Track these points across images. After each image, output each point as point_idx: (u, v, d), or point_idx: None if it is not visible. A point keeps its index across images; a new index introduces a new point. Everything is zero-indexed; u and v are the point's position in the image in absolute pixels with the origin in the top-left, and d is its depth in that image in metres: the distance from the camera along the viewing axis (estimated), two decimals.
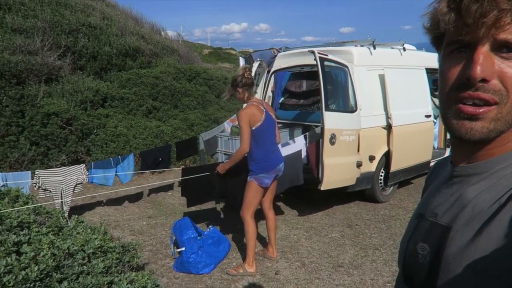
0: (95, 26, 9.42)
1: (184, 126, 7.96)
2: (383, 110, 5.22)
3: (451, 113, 0.63)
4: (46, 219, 3.00)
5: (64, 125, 6.78)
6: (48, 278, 2.07)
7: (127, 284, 2.26)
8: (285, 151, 4.28)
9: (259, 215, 3.88)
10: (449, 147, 6.61)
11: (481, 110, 0.60)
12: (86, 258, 2.41)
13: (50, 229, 2.67)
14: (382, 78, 5.27)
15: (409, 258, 0.72)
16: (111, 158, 5.08)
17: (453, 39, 0.62)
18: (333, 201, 5.42)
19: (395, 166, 5.24)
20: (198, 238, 3.69)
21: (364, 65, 5.10)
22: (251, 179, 3.46)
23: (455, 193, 0.65)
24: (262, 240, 4.19)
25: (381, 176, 5.35)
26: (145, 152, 5.34)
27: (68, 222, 3.05)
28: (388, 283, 3.32)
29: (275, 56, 6.10)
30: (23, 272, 1.97)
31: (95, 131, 7.04)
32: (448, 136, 6.53)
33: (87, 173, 4.74)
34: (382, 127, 5.18)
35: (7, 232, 2.38)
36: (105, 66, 9.03)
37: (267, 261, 3.76)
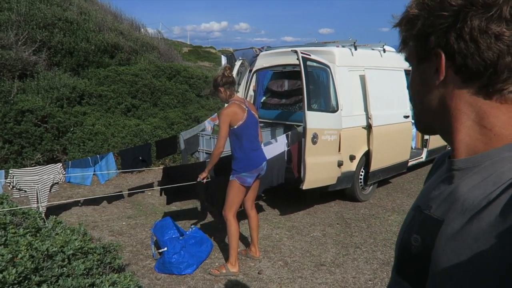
0: (72, 21, 9.17)
1: (164, 125, 7.86)
2: (363, 111, 5.29)
3: None
4: (23, 220, 2.90)
5: (39, 123, 6.58)
6: (26, 281, 2.00)
7: (109, 286, 2.21)
8: (267, 150, 4.27)
9: (241, 214, 3.87)
10: (426, 147, 6.77)
11: None
12: (66, 259, 2.34)
13: (28, 230, 2.58)
14: (362, 79, 5.34)
15: (403, 249, 0.73)
16: (89, 157, 4.95)
17: None
18: (314, 200, 5.46)
19: (374, 166, 5.32)
20: (180, 238, 3.65)
21: (345, 66, 5.16)
22: (233, 178, 3.44)
23: (449, 187, 0.66)
24: (244, 240, 4.18)
25: (361, 175, 5.43)
26: (124, 151, 5.23)
27: (46, 223, 2.96)
28: (369, 281, 3.37)
29: (257, 55, 6.10)
30: (0, 275, 1.90)
31: (72, 129, 6.86)
32: (426, 137, 6.69)
33: (64, 173, 4.61)
34: (363, 127, 5.25)
35: None
36: (82, 62, 8.81)
37: (249, 260, 3.75)
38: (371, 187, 5.68)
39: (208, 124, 6.09)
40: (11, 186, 4.31)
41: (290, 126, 5.55)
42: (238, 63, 5.97)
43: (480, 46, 0.59)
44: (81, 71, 8.75)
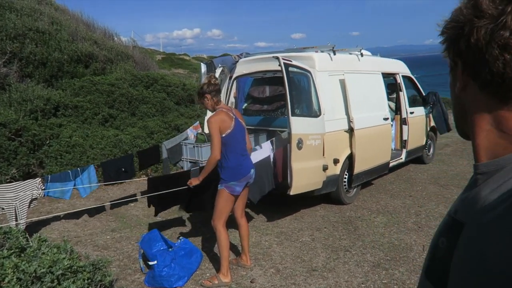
0: (43, 31, 8.93)
1: (144, 134, 7.73)
2: (344, 114, 5.36)
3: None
4: (4, 240, 2.77)
5: (13, 137, 6.34)
6: None
7: None
8: (252, 157, 4.26)
9: (230, 223, 3.82)
10: (405, 148, 6.91)
11: None
12: (56, 280, 2.25)
13: (12, 251, 2.46)
14: (342, 83, 5.41)
15: (432, 251, 0.74)
16: (69, 171, 4.80)
17: None
18: (300, 205, 5.47)
19: (358, 168, 5.39)
20: (170, 250, 3.57)
21: (325, 71, 5.22)
22: (222, 187, 3.40)
23: (473, 191, 0.67)
24: (234, 249, 4.14)
25: (345, 178, 5.48)
26: (106, 163, 5.10)
27: (30, 242, 2.84)
28: (362, 284, 3.39)
29: (236, 62, 6.09)
30: None
31: (48, 142, 6.65)
32: (405, 138, 6.83)
33: (43, 187, 4.44)
34: (345, 131, 5.32)
35: None
36: (56, 73, 8.58)
37: (241, 269, 3.71)
38: (355, 189, 5.74)
39: (190, 133, 6.02)
40: None
41: (273, 132, 5.56)
42: (218, 71, 5.94)
43: (486, 56, 0.60)
44: (54, 82, 8.52)
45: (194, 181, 3.44)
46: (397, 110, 7.16)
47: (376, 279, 3.47)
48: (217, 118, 3.30)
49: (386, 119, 6.01)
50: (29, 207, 4.33)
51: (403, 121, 6.91)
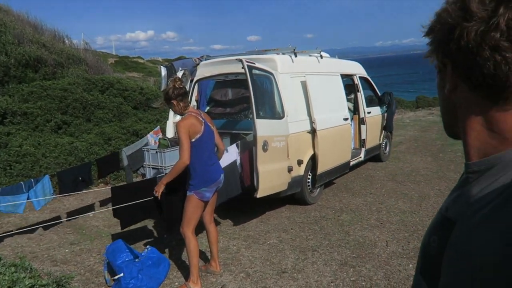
0: None
1: (101, 141, 7.42)
2: (307, 115, 5.43)
3: None
4: None
5: None
6: None
7: None
8: (220, 161, 4.20)
9: (198, 229, 3.74)
10: (364, 147, 7.13)
11: None
12: None
13: None
14: (304, 85, 5.49)
15: (424, 250, 0.75)
16: (22, 182, 4.50)
17: None
18: (265, 207, 5.47)
19: (321, 168, 5.48)
20: (136, 260, 3.44)
21: (287, 72, 5.27)
22: (191, 193, 3.32)
23: (464, 189, 0.69)
24: (202, 255, 4.05)
25: (309, 178, 5.56)
26: (62, 172, 4.84)
27: None
28: (331, 282, 3.44)
29: (197, 64, 6.01)
30: None
31: None
32: (363, 137, 7.04)
33: None
34: (307, 132, 5.39)
35: None
36: (2, 78, 8.03)
37: (211, 276, 3.64)
38: (318, 189, 5.83)
39: (151, 138, 5.85)
40: None
41: (237, 135, 5.53)
42: (179, 74, 5.82)
43: (477, 57, 0.61)
44: (0, 87, 7.97)
45: (159, 188, 3.31)
46: (355, 110, 7.37)
47: (344, 277, 3.53)
48: (187, 122, 3.21)
49: (346, 119, 6.16)
50: None
51: (361, 121, 7.13)
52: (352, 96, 7.47)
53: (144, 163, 5.23)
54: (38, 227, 5.01)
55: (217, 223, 4.98)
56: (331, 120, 5.76)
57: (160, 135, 5.95)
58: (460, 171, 0.67)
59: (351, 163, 6.56)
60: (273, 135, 4.63)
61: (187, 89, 6.00)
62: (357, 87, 7.11)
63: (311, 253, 4.06)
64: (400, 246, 4.08)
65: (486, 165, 0.65)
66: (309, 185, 5.59)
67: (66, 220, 5.29)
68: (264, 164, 4.45)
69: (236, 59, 4.59)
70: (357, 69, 7.41)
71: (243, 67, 4.37)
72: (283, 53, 5.53)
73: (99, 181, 6.46)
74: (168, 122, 5.84)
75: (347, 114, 6.25)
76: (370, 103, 7.48)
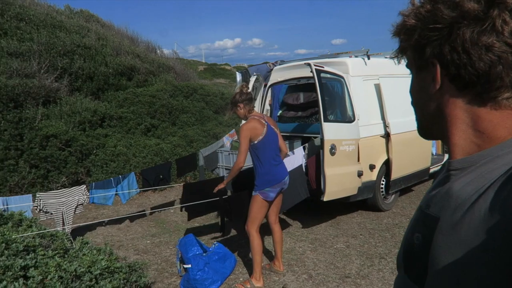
0: (90, 46, 9.50)
1: (184, 143, 7.98)
2: (380, 119, 5.26)
3: None
4: (51, 242, 2.98)
5: (63, 147, 6.78)
6: None
7: None
8: (285, 163, 4.29)
9: (264, 228, 3.87)
10: (447, 153, 6.65)
11: None
12: (94, 279, 2.40)
13: (56, 251, 2.65)
14: (378, 88, 5.33)
15: (407, 248, 0.75)
16: (111, 178, 5.07)
17: None
18: (336, 211, 5.41)
19: (395, 174, 5.26)
20: (204, 254, 3.67)
21: (359, 75, 5.17)
22: (256, 193, 3.45)
23: (445, 186, 0.68)
24: (268, 254, 4.17)
25: (382, 184, 5.37)
26: (145, 170, 5.33)
27: (73, 244, 3.04)
28: None
29: (271, 69, 6.17)
30: None
31: (94, 151, 7.04)
32: None
33: (88, 194, 4.72)
34: (381, 136, 5.22)
35: (14, 257, 2.37)
36: (102, 86, 9.08)
37: (273, 275, 3.74)
38: (393, 196, 5.60)
39: (226, 140, 6.16)
40: (38, 210, 4.44)
41: (308, 138, 5.56)
42: (252, 79, 6.04)
43: (472, 57, 0.61)
44: (101, 94, 9.02)
45: (219, 186, 3.54)
46: None
47: None
48: (249, 126, 3.37)
49: None
50: (75, 212, 4.61)
51: None
52: None
53: (219, 164, 5.53)
54: (126, 219, 5.60)
55: (285, 225, 5.07)
56: (408, 124, 5.48)
57: (235, 138, 6.24)
58: None
59: (432, 170, 6.17)
60: (342, 138, 4.58)
61: (262, 94, 6.23)
62: None
63: (378, 260, 3.94)
64: None
65: (469, 163, 0.66)
66: (382, 191, 5.40)
67: (150, 214, 5.82)
68: (331, 168, 4.43)
69: (305, 63, 4.64)
70: None
71: (311, 71, 4.41)
72: (356, 56, 5.44)
73: (180, 179, 6.95)
74: (241, 125, 6.09)
75: None
76: None
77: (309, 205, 5.49)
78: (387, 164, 5.26)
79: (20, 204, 4.41)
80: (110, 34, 11.71)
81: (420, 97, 0.74)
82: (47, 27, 9.45)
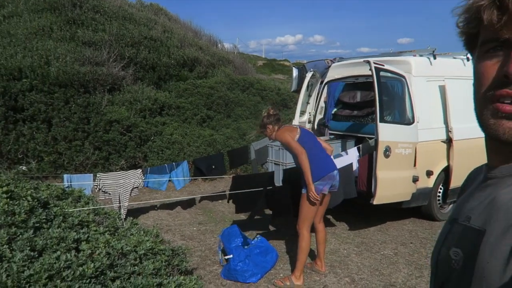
0: (156, 39, 9.92)
1: (236, 135, 8.09)
2: (443, 123, 4.95)
3: (488, 113, 0.61)
4: (104, 219, 3.16)
5: (124, 132, 7.17)
6: (102, 276, 2.18)
7: (175, 287, 2.32)
8: (337, 162, 4.18)
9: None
10: None
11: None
12: (138, 258, 2.50)
13: (107, 229, 2.81)
14: (442, 90, 5.01)
15: (441, 265, 0.69)
16: (166, 164, 5.27)
17: (490, 37, 0.60)
18: (387, 216, 5.19)
19: (455, 183, 4.92)
20: (245, 247, 3.70)
21: (423, 76, 4.89)
22: (306, 191, 3.40)
23: (489, 195, 0.63)
24: (310, 253, 4.09)
25: (440, 192, 5.06)
26: (198, 160, 5.48)
27: (124, 224, 3.20)
28: None
29: (329, 66, 6.04)
30: (80, 268, 2.09)
31: (152, 138, 7.36)
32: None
33: (143, 178, 4.95)
34: (442, 141, 4.91)
35: (69, 230, 2.54)
36: (164, 76, 9.45)
37: (315, 274, 3.67)
38: (450, 205, 5.25)
39: None
40: (97, 189, 4.74)
41: (362, 139, 5.39)
42: (309, 75, 5.96)
43: None
44: (162, 84, 9.39)
45: (311, 190, 3.29)
46: None
47: None
48: (283, 130, 3.49)
49: None
50: (130, 194, 4.86)
51: None
52: None
53: (268, 158, 5.54)
54: (177, 205, 5.80)
55: (331, 225, 4.96)
56: (473, 130, 5.06)
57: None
58: None
59: None
60: (398, 141, 4.38)
61: (317, 91, 6.14)
62: None
63: (427, 271, 3.72)
64: None
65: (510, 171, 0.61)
66: (439, 200, 5.09)
67: (199, 202, 5.98)
68: (384, 171, 4.25)
69: (364, 61, 4.48)
70: None
71: (370, 69, 4.25)
72: (421, 55, 5.15)
73: (231, 171, 7.06)
74: (294, 121, 6.03)
75: None
76: None
77: (358, 207, 5.32)
78: (447, 171, 4.94)
79: (82, 182, 4.73)
80: (176, 27, 12.15)
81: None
82: (118, 19, 10.01)
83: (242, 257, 3.50)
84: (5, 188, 2.57)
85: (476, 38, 0.64)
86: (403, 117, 4.68)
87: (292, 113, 9.60)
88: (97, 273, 2.16)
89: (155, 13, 13.34)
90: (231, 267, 3.51)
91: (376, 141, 4.21)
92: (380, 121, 4.21)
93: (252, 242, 3.82)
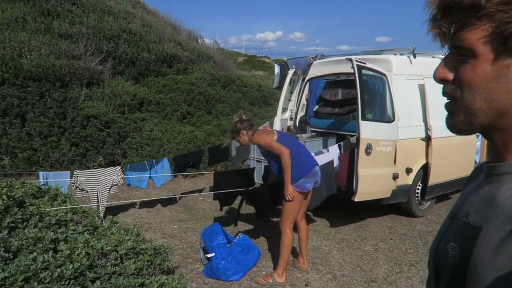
0: (135, 32, 9.71)
1: (217, 132, 8.02)
2: (422, 121, 5.04)
3: None
4: (83, 218, 3.07)
5: (102, 128, 6.99)
6: (82, 277, 2.11)
7: (157, 287, 2.27)
8: (318, 159, 4.19)
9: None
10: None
11: (446, 103, 0.66)
12: (119, 258, 2.44)
13: (86, 228, 2.72)
14: (422, 88, 5.10)
15: (439, 258, 0.70)
16: (145, 161, 5.17)
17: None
18: (367, 213, 5.26)
19: (433, 180, 5.03)
20: (228, 245, 3.67)
21: (403, 74, 4.96)
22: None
23: (488, 193, 0.63)
24: (292, 250, 4.10)
25: (418, 189, 5.15)
26: (178, 157, 5.40)
27: (103, 222, 3.11)
28: None
29: (311, 64, 6.05)
30: (58, 270, 2.02)
31: (131, 134, 7.22)
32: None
33: (123, 175, 4.84)
34: (421, 139, 5.00)
35: (46, 229, 2.45)
36: (143, 71, 9.27)
37: (297, 271, 3.68)
38: (429, 202, 5.37)
39: None
40: (74, 186, 4.60)
41: (343, 136, 5.43)
42: (291, 72, 5.96)
43: None
44: (141, 79, 9.21)
45: (288, 190, 3.31)
46: None
47: None
48: (259, 134, 3.44)
49: None
50: (109, 192, 4.75)
51: None
52: None
53: (250, 155, 5.51)
54: (157, 203, 5.71)
55: (312, 222, 4.99)
56: None
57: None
58: None
59: None
60: (379, 138, 4.43)
61: (299, 88, 6.14)
62: None
63: (407, 267, 3.78)
64: None
65: (510, 167, 0.60)
66: (418, 197, 5.18)
67: (179, 200, 5.90)
68: (365, 168, 4.29)
69: (346, 59, 4.51)
70: None
71: (352, 67, 4.27)
72: (401, 54, 5.22)
73: (211, 168, 7.00)
74: (276, 118, 6.02)
75: None
76: None
77: (339, 204, 5.36)
78: (426, 168, 5.04)
79: (58, 179, 4.58)
80: (154, 21, 11.91)
81: (491, 87, 0.61)
82: (96, 12, 9.74)
83: (224, 255, 3.47)
84: None
85: None
86: (384, 115, 4.74)
87: (273, 110, 9.60)
88: (76, 274, 2.09)
89: (133, 6, 13.04)
90: (213, 265, 3.48)
91: (358, 138, 4.25)
92: (362, 119, 4.25)
93: (234, 240, 3.79)
